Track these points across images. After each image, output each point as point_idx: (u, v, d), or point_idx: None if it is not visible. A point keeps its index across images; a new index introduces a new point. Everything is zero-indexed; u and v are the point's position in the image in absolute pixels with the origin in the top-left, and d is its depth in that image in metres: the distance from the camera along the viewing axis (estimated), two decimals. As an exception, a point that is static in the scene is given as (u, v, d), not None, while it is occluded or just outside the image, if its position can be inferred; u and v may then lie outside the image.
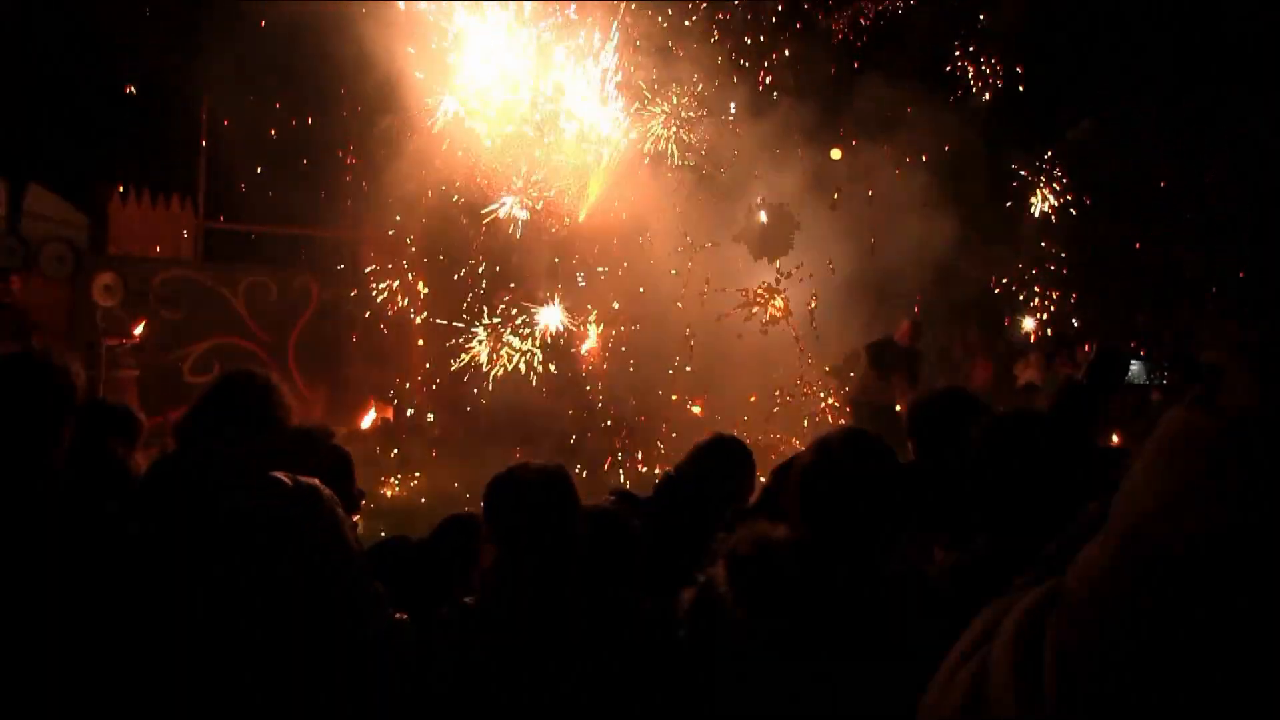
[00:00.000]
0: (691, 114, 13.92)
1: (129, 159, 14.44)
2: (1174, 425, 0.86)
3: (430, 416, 14.02)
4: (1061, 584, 0.93)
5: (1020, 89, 16.93)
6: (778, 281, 13.70)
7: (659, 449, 12.95)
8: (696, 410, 14.53)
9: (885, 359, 11.52)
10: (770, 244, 14.34)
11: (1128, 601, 0.84)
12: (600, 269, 13.68)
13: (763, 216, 14.14)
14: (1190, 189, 16.93)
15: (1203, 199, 16.97)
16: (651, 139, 13.84)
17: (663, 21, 13.85)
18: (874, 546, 2.42)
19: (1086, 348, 15.44)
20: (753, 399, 16.21)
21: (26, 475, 2.50)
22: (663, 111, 13.79)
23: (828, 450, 2.51)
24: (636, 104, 13.69)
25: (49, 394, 2.61)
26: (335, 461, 3.45)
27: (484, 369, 12.67)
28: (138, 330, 11.48)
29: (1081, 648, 0.87)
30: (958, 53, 17.10)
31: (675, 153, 13.87)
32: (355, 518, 3.37)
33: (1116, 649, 0.84)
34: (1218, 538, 0.79)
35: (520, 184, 13.12)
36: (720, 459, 3.69)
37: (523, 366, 12.66)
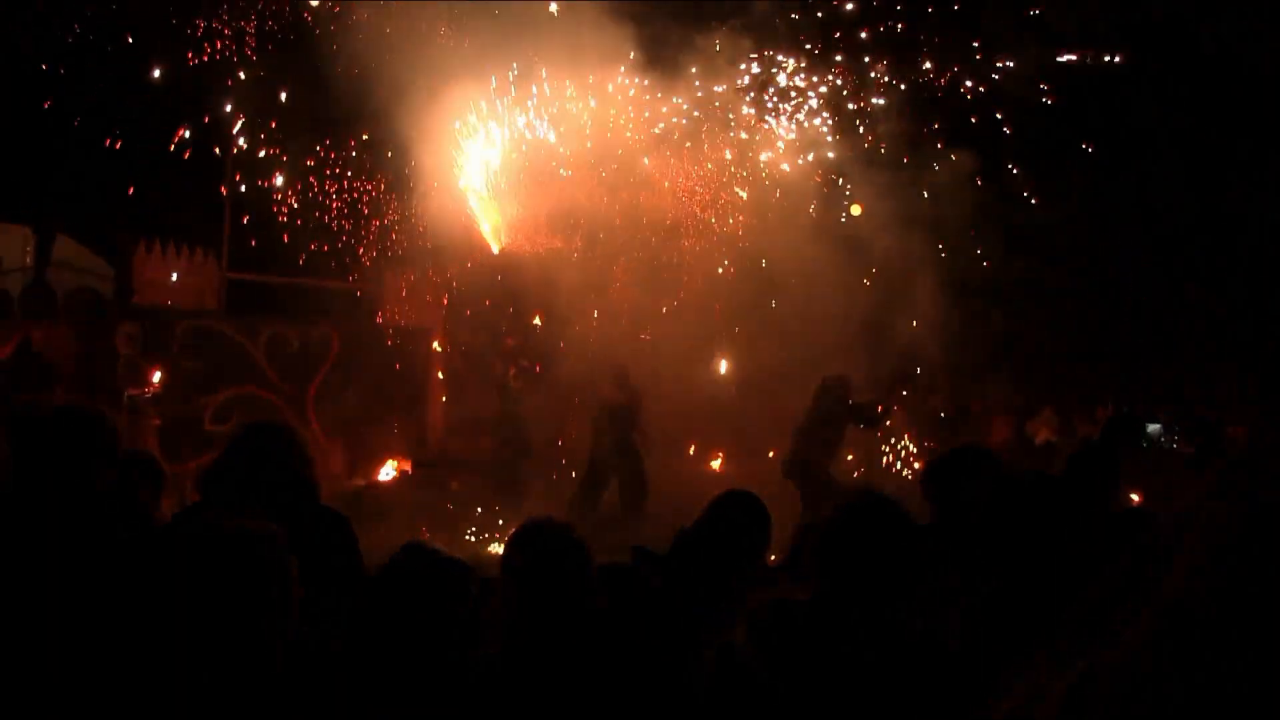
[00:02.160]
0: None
1: (154, 210, 14.63)
2: (1212, 512, 0.89)
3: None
4: (1105, 655, 0.95)
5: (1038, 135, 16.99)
6: None
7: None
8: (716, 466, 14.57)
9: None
10: None
11: (1175, 678, 0.87)
12: None
13: None
14: (1209, 238, 16.89)
15: (1222, 247, 16.93)
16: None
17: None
18: (890, 604, 2.45)
19: (1101, 411, 15.41)
20: (772, 455, 16.19)
21: (67, 515, 2.61)
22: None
23: (847, 510, 2.55)
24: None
25: (98, 444, 2.76)
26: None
27: None
28: (155, 378, 11.56)
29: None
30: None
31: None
32: None
33: None
34: (1254, 621, 0.81)
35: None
36: (735, 515, 3.69)
37: None
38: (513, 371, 13.27)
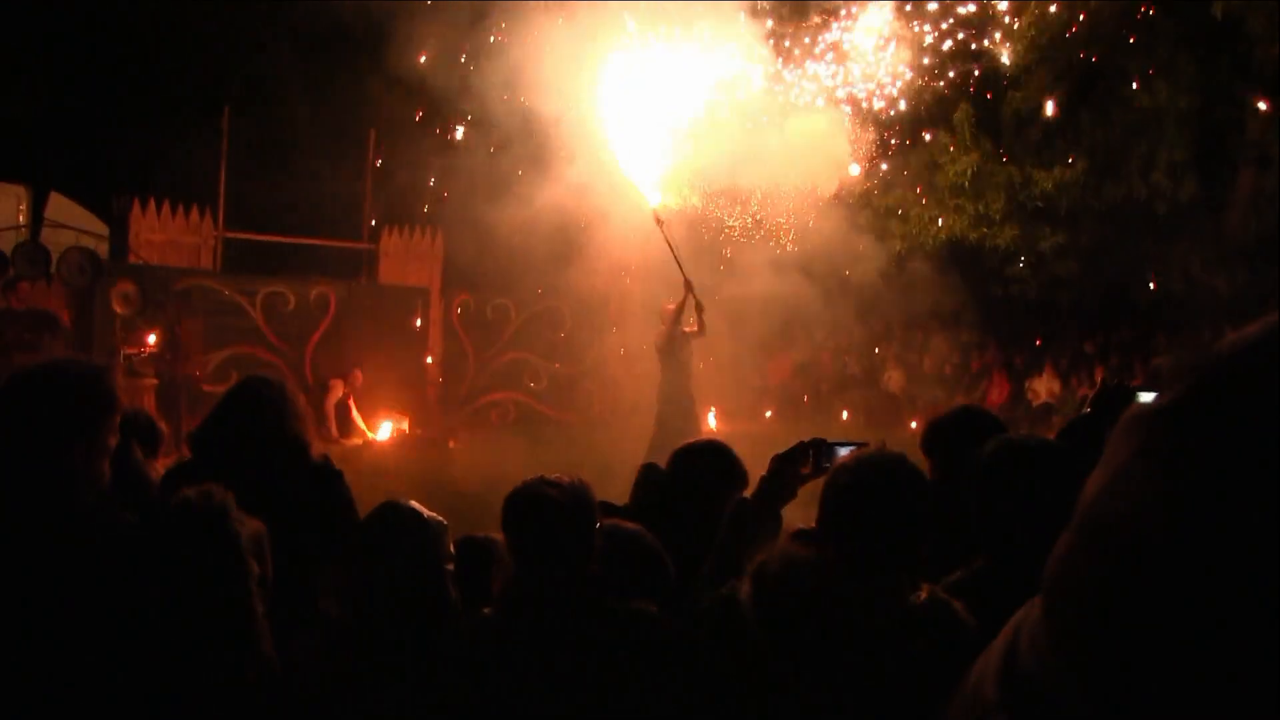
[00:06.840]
0: None
1: (150, 169, 14.54)
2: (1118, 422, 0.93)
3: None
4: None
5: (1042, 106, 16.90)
6: None
7: None
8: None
9: None
10: None
11: (1083, 585, 0.88)
12: None
13: None
14: (1212, 209, 16.86)
15: (1224, 220, 16.91)
16: None
17: None
18: (898, 568, 2.41)
19: (1101, 372, 15.43)
20: (769, 414, 16.25)
21: (60, 484, 2.48)
22: None
23: (858, 470, 2.49)
24: None
25: (94, 402, 2.57)
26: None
27: None
28: (151, 338, 11.54)
29: (1048, 633, 0.92)
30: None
31: None
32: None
33: (1077, 631, 0.89)
34: (1141, 519, 0.83)
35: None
36: (705, 466, 3.63)
37: None
38: (689, 330, 12.49)
